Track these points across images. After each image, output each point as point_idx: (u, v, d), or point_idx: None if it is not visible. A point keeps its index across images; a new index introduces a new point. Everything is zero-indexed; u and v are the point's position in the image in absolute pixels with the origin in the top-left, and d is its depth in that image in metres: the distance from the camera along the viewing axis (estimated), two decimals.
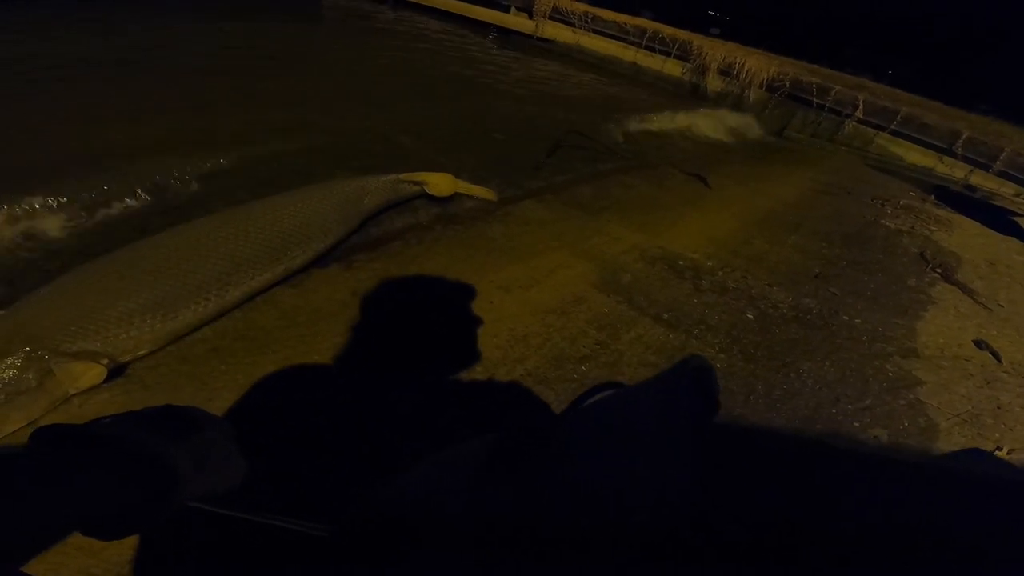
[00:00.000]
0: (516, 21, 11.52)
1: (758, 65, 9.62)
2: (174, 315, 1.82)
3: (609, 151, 5.22)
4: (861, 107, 9.01)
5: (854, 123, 9.13)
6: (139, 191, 2.79)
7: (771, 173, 6.25)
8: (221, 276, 1.96)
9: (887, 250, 4.49)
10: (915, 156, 8.88)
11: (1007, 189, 8.20)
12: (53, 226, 2.41)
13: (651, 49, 10.70)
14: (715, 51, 10.00)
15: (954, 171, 8.58)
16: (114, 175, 2.88)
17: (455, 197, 3.33)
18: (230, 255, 2.02)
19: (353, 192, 2.69)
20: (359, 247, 2.66)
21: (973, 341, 3.19)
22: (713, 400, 0.68)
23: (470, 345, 2.14)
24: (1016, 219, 6.46)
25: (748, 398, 2.26)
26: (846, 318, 3.10)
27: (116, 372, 1.69)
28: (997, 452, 2.32)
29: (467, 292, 2.45)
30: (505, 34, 11.37)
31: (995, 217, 6.39)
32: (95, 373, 1.62)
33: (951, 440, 2.33)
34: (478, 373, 2.01)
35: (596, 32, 11.19)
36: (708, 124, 7.72)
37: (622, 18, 11.08)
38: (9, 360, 1.50)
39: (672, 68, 10.53)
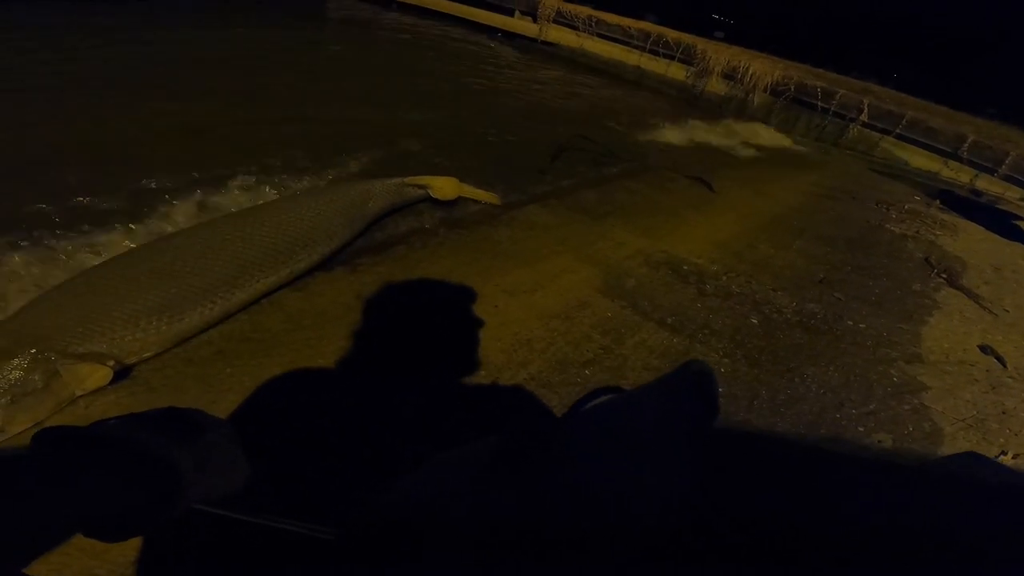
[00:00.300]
0: (520, 25, 11.55)
1: (762, 69, 9.62)
2: (180, 317, 1.83)
3: (613, 155, 5.22)
4: (866, 111, 8.99)
5: (859, 127, 9.11)
6: (141, 192, 2.81)
7: (775, 177, 6.24)
8: (227, 279, 1.97)
9: (892, 255, 4.47)
10: (920, 160, 8.86)
11: (1013, 193, 8.17)
12: (56, 226, 2.43)
13: (655, 53, 10.71)
14: (719, 55, 10.00)
15: (959, 175, 8.56)
16: (116, 176, 2.91)
17: (459, 201, 3.34)
18: (236, 258, 2.03)
19: (358, 196, 2.70)
20: (364, 250, 2.67)
21: (978, 346, 3.18)
22: (713, 404, 0.69)
23: (474, 349, 2.14)
24: (1022, 223, 6.43)
25: (752, 403, 2.25)
26: (851, 323, 3.09)
27: (121, 374, 1.70)
28: (1002, 457, 2.32)
29: (471, 296, 2.46)
30: (509, 38, 11.40)
31: (1000, 221, 6.36)
32: (101, 375, 1.63)
33: (956, 445, 2.32)
34: (482, 377, 2.02)
35: (600, 36, 11.21)
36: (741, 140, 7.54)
37: (626, 22, 11.10)
38: (16, 361, 1.51)
39: (676, 72, 10.53)
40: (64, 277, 1.88)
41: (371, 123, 4.66)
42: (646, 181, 4.76)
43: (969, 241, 5.48)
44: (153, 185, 2.90)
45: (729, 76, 9.92)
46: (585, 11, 11.19)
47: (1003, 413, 2.60)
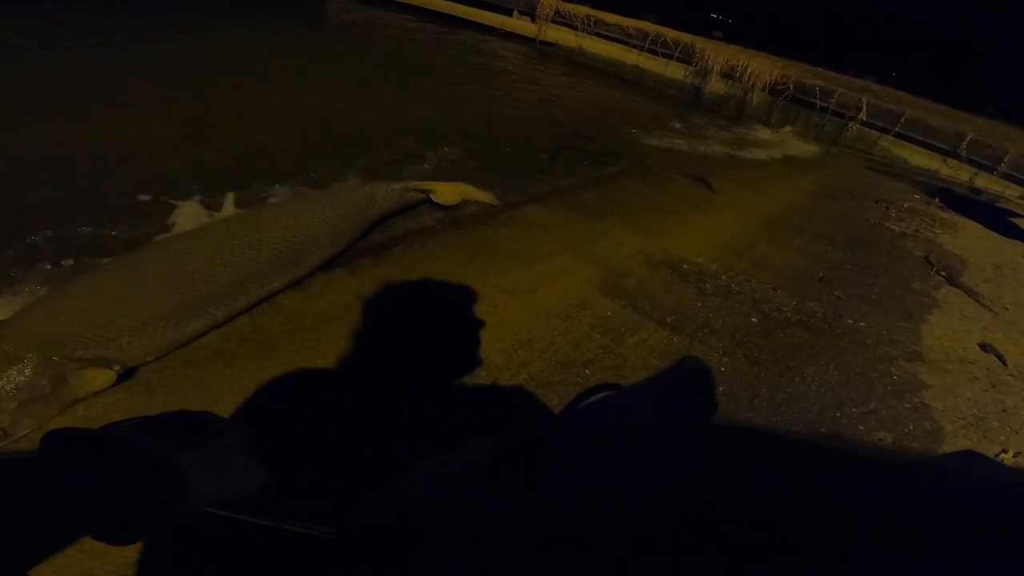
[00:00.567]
0: (519, 25, 11.55)
1: (761, 68, 9.62)
2: (187, 323, 1.83)
3: (612, 155, 5.23)
4: (865, 109, 9.00)
5: (858, 126, 9.11)
6: (142, 195, 2.81)
7: (775, 176, 6.24)
8: (233, 285, 1.97)
9: (892, 253, 4.47)
10: (919, 158, 8.86)
11: (1012, 191, 8.17)
12: (59, 229, 2.43)
13: (654, 52, 10.71)
14: (718, 54, 10.00)
15: (959, 173, 8.56)
16: (120, 177, 2.91)
17: (459, 202, 3.34)
18: (242, 264, 2.03)
19: (362, 200, 2.70)
20: (363, 251, 2.67)
21: (978, 344, 3.18)
22: (710, 400, 0.69)
23: (474, 349, 2.14)
24: (1021, 221, 6.43)
25: (752, 402, 2.26)
26: (850, 321, 3.09)
27: (122, 375, 1.70)
28: (1003, 455, 2.32)
29: (471, 296, 2.46)
30: (508, 38, 11.40)
31: (1000, 220, 6.36)
32: (107, 378, 1.64)
33: (957, 444, 2.32)
34: (482, 377, 2.02)
35: (599, 35, 11.20)
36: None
37: (625, 21, 11.09)
38: (24, 365, 1.52)
39: (675, 71, 10.53)
40: (67, 280, 1.88)
41: (369, 123, 4.66)
42: (646, 180, 4.76)
43: (969, 239, 5.49)
44: (154, 187, 2.90)
45: (728, 75, 9.91)
46: (584, 11, 11.19)
47: (1003, 411, 2.60)
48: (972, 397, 2.66)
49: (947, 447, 2.28)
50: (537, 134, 5.43)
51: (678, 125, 7.42)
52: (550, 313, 2.48)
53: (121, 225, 2.55)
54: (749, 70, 9.61)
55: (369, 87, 5.85)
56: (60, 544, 0.43)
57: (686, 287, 3.00)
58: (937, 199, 6.92)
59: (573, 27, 11.26)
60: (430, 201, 3.21)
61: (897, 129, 8.91)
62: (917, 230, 5.33)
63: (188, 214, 2.72)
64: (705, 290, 3.02)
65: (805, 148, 8.41)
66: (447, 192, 3.21)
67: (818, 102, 9.26)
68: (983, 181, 8.37)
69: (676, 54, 10.46)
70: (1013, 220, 6.44)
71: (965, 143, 8.49)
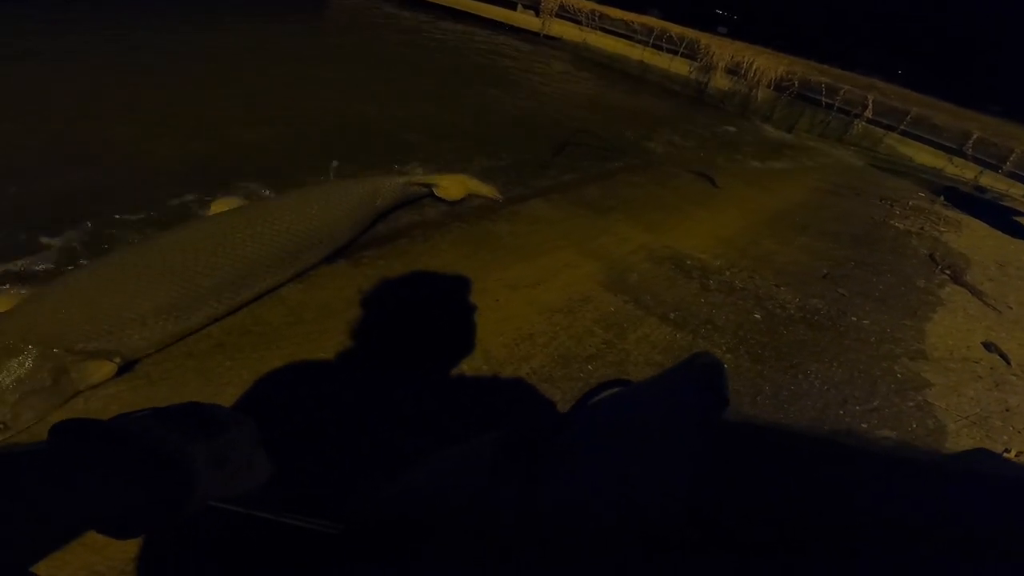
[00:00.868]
0: (522, 19, 11.50)
1: (766, 64, 9.56)
2: (187, 316, 1.83)
3: (617, 150, 5.20)
4: (871, 107, 8.94)
5: (863, 123, 9.06)
6: (150, 186, 2.80)
7: (779, 173, 6.22)
8: (234, 277, 1.96)
9: (896, 251, 4.45)
10: (925, 157, 8.81)
11: (1017, 190, 8.12)
12: (62, 222, 2.42)
13: (659, 48, 10.65)
14: (723, 50, 9.94)
15: (964, 172, 8.51)
16: (121, 172, 2.90)
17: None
18: (244, 257, 2.01)
19: (365, 193, 2.68)
20: (366, 244, 2.66)
21: (982, 343, 3.17)
22: (722, 396, 0.68)
23: (476, 343, 2.14)
24: None
25: (755, 399, 2.25)
26: (854, 319, 3.08)
27: (123, 368, 1.70)
28: (1006, 455, 2.31)
29: (473, 290, 2.45)
30: (512, 32, 11.35)
31: (1005, 218, 6.33)
32: (107, 370, 1.63)
33: (960, 442, 2.31)
34: (484, 371, 2.01)
35: (603, 30, 11.15)
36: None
37: (629, 16, 11.03)
38: (24, 358, 1.51)
39: (680, 67, 10.47)
40: (68, 273, 1.87)
41: (372, 118, 4.65)
42: (649, 176, 4.74)
43: (973, 238, 5.46)
44: (155, 182, 2.90)
45: (733, 71, 9.85)
46: (588, 5, 11.14)
47: (1006, 410, 2.59)
48: (975, 396, 2.65)
49: (950, 446, 2.27)
50: (540, 129, 5.41)
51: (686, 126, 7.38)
52: (553, 308, 2.47)
53: (122, 219, 2.54)
54: (754, 66, 9.55)
55: (371, 82, 5.82)
56: (66, 537, 0.42)
57: (689, 283, 2.99)
58: (942, 197, 6.89)
59: (577, 22, 11.21)
60: (433, 195, 3.19)
61: (903, 127, 8.86)
62: (922, 228, 5.30)
63: (189, 208, 2.71)
64: (708, 286, 3.01)
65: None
66: (450, 186, 3.20)
67: (823, 99, 9.20)
68: (988, 180, 8.32)
69: (681, 50, 10.40)
70: (1018, 219, 6.40)
71: (971, 141, 8.43)
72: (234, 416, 0.65)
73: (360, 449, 1.61)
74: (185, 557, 1.25)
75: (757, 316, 2.85)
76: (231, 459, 0.59)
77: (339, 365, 1.90)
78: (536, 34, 11.36)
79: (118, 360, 1.66)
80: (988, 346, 3.14)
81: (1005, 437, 2.41)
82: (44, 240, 2.29)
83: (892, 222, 5.29)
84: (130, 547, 1.24)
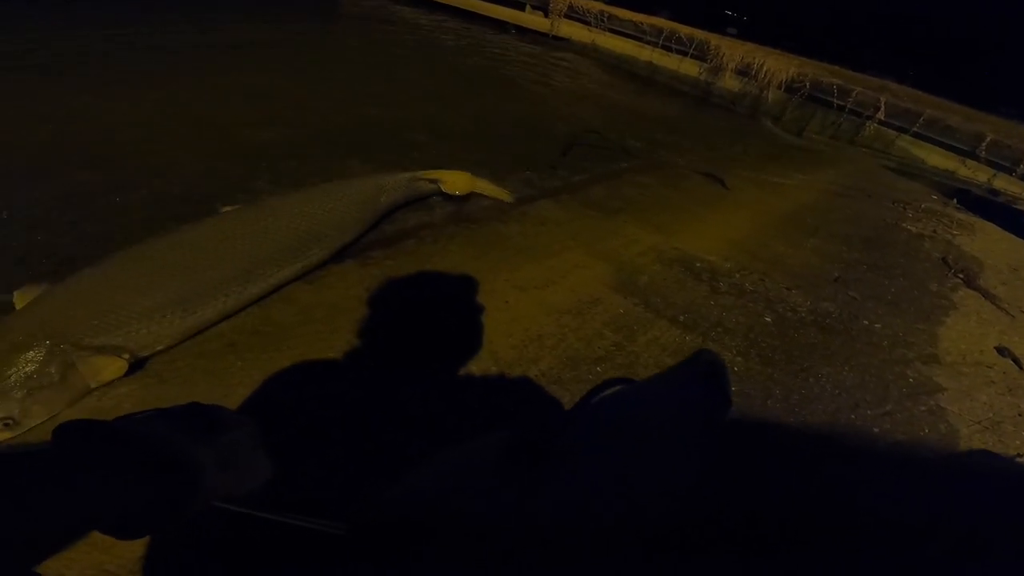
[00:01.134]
0: (531, 19, 11.50)
1: (777, 66, 9.51)
2: (194, 311, 1.83)
3: (625, 151, 5.19)
4: (883, 109, 8.87)
5: (875, 125, 8.99)
6: (158, 186, 2.82)
7: (790, 175, 6.18)
8: (241, 273, 1.97)
9: (908, 254, 4.41)
10: (937, 159, 8.73)
11: None
12: (72, 220, 2.44)
13: (668, 49, 10.63)
14: (733, 51, 9.90)
15: (977, 174, 8.43)
16: (131, 171, 2.92)
17: (470, 196, 3.33)
18: (250, 252, 2.03)
19: (370, 190, 2.70)
20: (374, 244, 2.67)
21: (995, 348, 3.13)
22: (726, 394, 0.68)
23: (484, 344, 2.13)
24: None
25: (766, 402, 2.23)
26: (866, 322, 3.05)
27: (134, 366, 1.71)
28: (1018, 459, 2.28)
29: (482, 291, 2.45)
30: (520, 32, 11.35)
31: (1018, 221, 6.25)
32: (117, 367, 1.63)
33: (972, 447, 2.28)
34: (492, 372, 2.01)
35: (612, 31, 11.13)
36: None
37: (638, 17, 11.01)
38: (32, 354, 1.52)
39: (689, 68, 10.45)
40: (76, 271, 1.88)
41: (381, 117, 4.65)
42: (658, 177, 4.72)
43: (987, 241, 5.40)
44: (163, 179, 2.91)
45: (743, 73, 9.81)
46: (597, 6, 11.13)
47: (1019, 415, 2.56)
48: (988, 401, 2.62)
49: (962, 452, 2.25)
50: (548, 129, 5.40)
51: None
52: (561, 309, 2.46)
53: (131, 219, 2.55)
54: (765, 68, 9.50)
55: (380, 83, 5.84)
56: (68, 538, 0.42)
57: (699, 285, 2.97)
58: (955, 200, 6.83)
59: (586, 23, 11.20)
60: (441, 194, 3.20)
61: (915, 129, 8.78)
62: (934, 231, 5.25)
63: (196, 205, 2.72)
64: (718, 289, 2.99)
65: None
66: (456, 181, 3.21)
67: (835, 100, 9.14)
68: (1002, 182, 8.24)
69: (690, 51, 10.37)
70: None
71: (984, 144, 8.35)
72: (236, 417, 0.65)
73: (367, 449, 1.61)
74: (190, 557, 1.25)
75: (768, 319, 2.83)
76: (233, 460, 0.60)
77: (348, 365, 1.90)
78: (545, 35, 11.37)
79: (127, 356, 1.67)
80: (1001, 351, 3.10)
81: (1017, 442, 2.38)
82: (53, 240, 2.30)
83: (904, 225, 5.25)
84: (138, 546, 1.24)
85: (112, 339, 1.66)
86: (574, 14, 11.23)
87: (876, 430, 2.25)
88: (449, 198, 3.23)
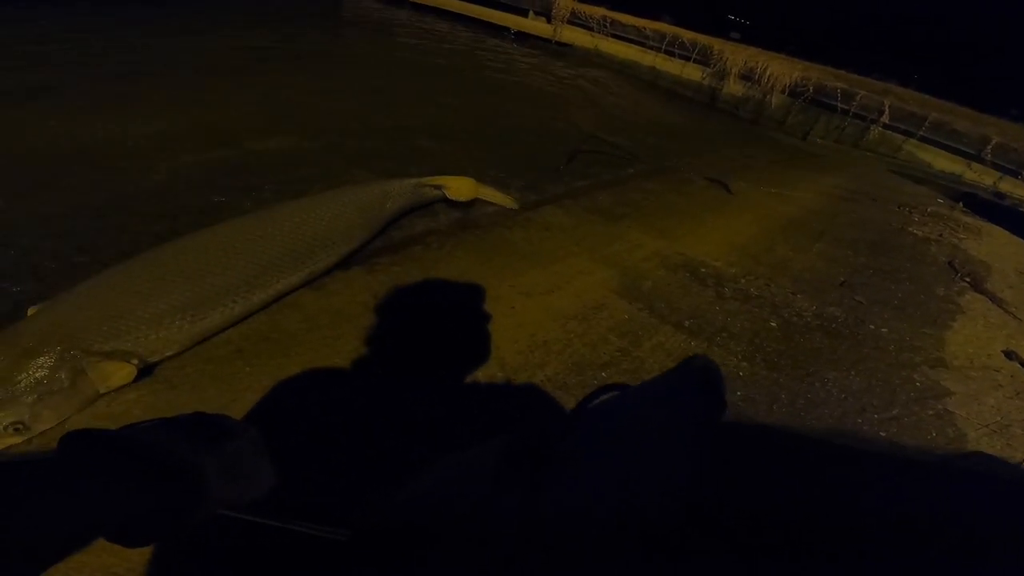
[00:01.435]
0: (534, 25, 11.55)
1: (780, 70, 9.52)
2: (202, 317, 1.85)
3: (629, 156, 5.20)
4: (887, 112, 8.86)
5: (880, 128, 8.98)
6: (163, 193, 2.85)
7: (794, 179, 6.17)
8: (248, 279, 1.99)
9: (915, 258, 4.40)
10: (943, 162, 8.71)
11: None
12: (81, 227, 2.46)
13: (671, 54, 10.65)
14: (736, 55, 9.91)
15: (983, 178, 8.40)
16: (136, 179, 2.95)
17: (475, 202, 3.35)
18: (256, 258, 2.04)
19: (375, 196, 2.71)
20: (380, 251, 2.68)
21: (1003, 351, 3.12)
22: (719, 397, 0.68)
23: (491, 350, 2.14)
24: None
25: (771, 407, 2.23)
26: (872, 327, 3.04)
27: (143, 372, 1.72)
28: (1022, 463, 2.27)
29: (488, 297, 2.46)
30: (523, 38, 11.40)
31: None
32: (126, 372, 1.65)
33: (978, 450, 2.28)
34: (498, 378, 2.02)
35: (615, 36, 11.17)
36: None
37: (641, 22, 11.04)
38: (42, 359, 1.53)
39: (692, 72, 10.46)
40: (85, 278, 1.90)
41: (385, 124, 4.68)
42: (663, 182, 4.73)
43: (993, 245, 5.38)
44: (169, 184, 2.94)
45: (746, 77, 9.82)
46: (600, 12, 11.16)
47: None
48: (996, 404, 2.61)
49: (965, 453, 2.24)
50: (552, 135, 5.42)
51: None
52: (567, 315, 2.47)
53: (136, 224, 2.57)
54: (768, 72, 9.51)
55: (384, 89, 5.87)
56: (71, 545, 0.43)
57: (704, 290, 2.97)
58: (961, 204, 6.81)
59: (589, 28, 11.24)
60: (446, 200, 3.21)
61: (920, 132, 8.76)
62: (941, 235, 5.24)
63: (202, 212, 2.75)
64: (723, 294, 2.99)
65: None
66: (461, 187, 3.22)
67: (839, 104, 9.13)
68: (1008, 186, 8.21)
69: (693, 56, 10.39)
70: None
71: (990, 147, 8.33)
72: (240, 426, 0.66)
73: (371, 455, 1.62)
74: (196, 564, 1.26)
75: (773, 324, 2.82)
76: (238, 469, 0.61)
77: (355, 371, 1.91)
78: (548, 40, 11.41)
79: (136, 362, 1.68)
80: (1009, 354, 3.09)
81: None
82: (61, 249, 2.33)
83: (910, 229, 5.23)
84: (146, 551, 1.25)
85: (121, 345, 1.67)
86: (577, 20, 11.27)
87: (883, 434, 2.24)
88: (454, 204, 3.24)
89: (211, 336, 1.92)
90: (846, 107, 9.11)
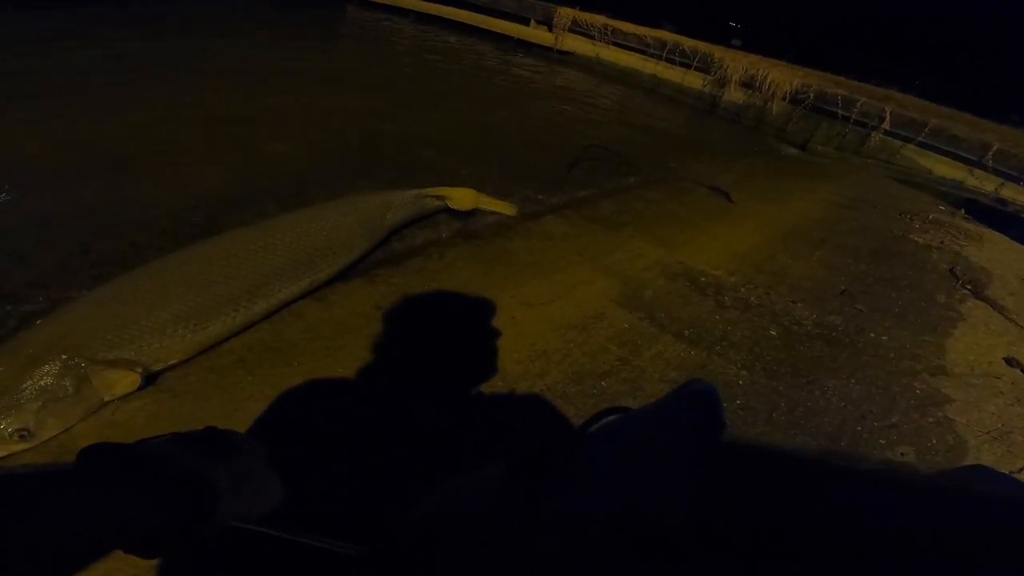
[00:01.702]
0: (536, 34, 11.60)
1: (781, 77, 9.53)
2: (205, 325, 1.87)
3: (630, 165, 5.22)
4: (888, 119, 8.87)
5: (881, 135, 8.98)
6: (162, 202, 2.87)
7: (795, 187, 6.18)
8: (250, 288, 2.01)
9: (916, 266, 4.40)
10: (944, 169, 8.70)
11: None
12: (85, 236, 2.49)
13: (672, 61, 10.68)
14: (737, 63, 9.93)
15: (984, 184, 8.38)
16: (139, 189, 2.98)
17: (476, 212, 3.37)
18: (258, 268, 2.07)
19: (377, 207, 2.74)
20: (381, 262, 2.70)
21: (1003, 359, 3.12)
22: (719, 419, 0.69)
23: (491, 360, 2.15)
24: None
25: (771, 415, 2.23)
26: (873, 335, 3.05)
27: (148, 380, 1.74)
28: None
29: (488, 307, 2.47)
30: (525, 47, 11.45)
31: None
32: (130, 381, 1.67)
33: (980, 458, 2.28)
34: (499, 388, 2.03)
35: (616, 44, 11.21)
36: None
37: (642, 30, 11.07)
38: (47, 367, 1.55)
39: (693, 80, 10.49)
40: (89, 288, 1.93)
41: (388, 133, 4.72)
42: (663, 191, 4.75)
43: (994, 252, 5.38)
44: (171, 194, 2.97)
45: (747, 84, 9.84)
46: (601, 20, 11.20)
47: None
48: (996, 412, 2.61)
49: (971, 462, 2.24)
50: (553, 144, 5.44)
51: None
52: (567, 325, 2.48)
53: (139, 235, 2.60)
54: (769, 79, 9.53)
55: (385, 98, 5.91)
56: (94, 557, 0.45)
57: (704, 300, 2.99)
58: (962, 210, 6.80)
59: (590, 37, 11.28)
60: (447, 210, 3.24)
61: (921, 139, 8.76)
62: (942, 242, 5.24)
63: (203, 221, 2.77)
64: (723, 303, 3.00)
65: None
66: (462, 198, 3.25)
67: (840, 111, 9.14)
68: (1009, 192, 8.19)
69: (694, 63, 10.42)
70: None
71: (991, 153, 8.31)
72: (248, 441, 0.68)
73: (373, 464, 1.63)
74: (205, 566, 1.27)
75: (773, 332, 2.83)
76: (246, 482, 0.62)
77: (356, 381, 1.93)
78: (549, 49, 11.45)
79: (140, 370, 1.71)
80: (1010, 361, 3.09)
81: None
82: (65, 257, 2.36)
83: (911, 236, 5.23)
84: (153, 561, 1.26)
85: (125, 353, 1.70)
86: (578, 28, 11.31)
87: (883, 442, 2.25)
88: (455, 214, 3.26)
89: (214, 345, 1.94)
90: (847, 114, 9.11)
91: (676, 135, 7.58)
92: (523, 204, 3.71)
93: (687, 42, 10.59)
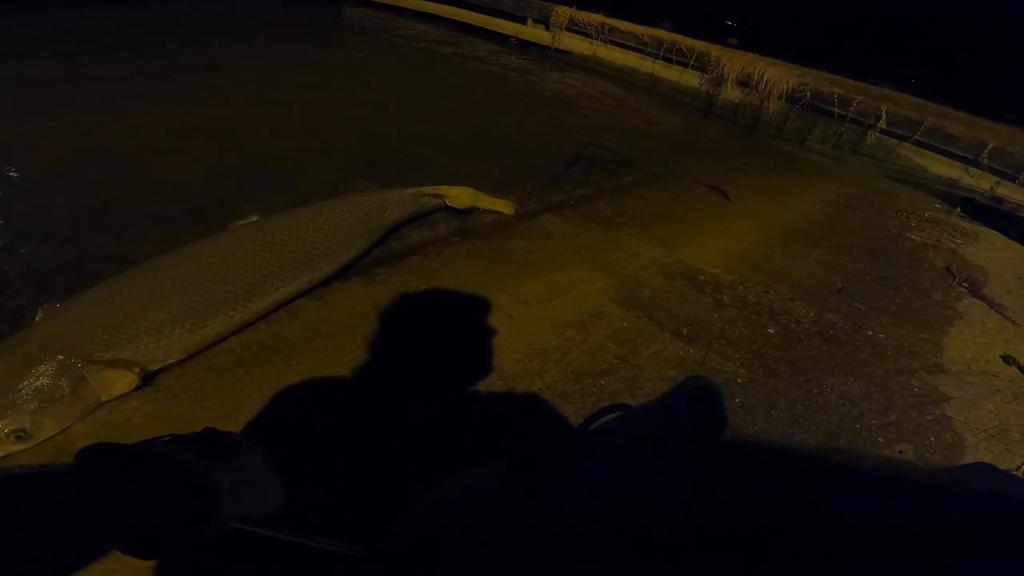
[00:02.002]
0: (533, 33, 11.60)
1: (778, 76, 9.54)
2: (202, 325, 1.86)
3: (628, 164, 5.22)
4: (884, 117, 8.88)
5: (877, 134, 9.00)
6: (161, 202, 2.87)
7: (793, 186, 6.19)
8: (247, 287, 2.00)
9: (912, 264, 4.41)
10: (940, 167, 8.72)
11: None
12: (82, 237, 2.48)
13: (669, 60, 10.68)
14: (733, 61, 9.94)
15: (980, 182, 8.40)
16: (137, 188, 2.97)
17: (474, 211, 3.37)
18: (256, 267, 2.06)
19: (375, 205, 2.74)
20: (380, 261, 2.70)
21: (1000, 356, 3.13)
22: (720, 415, 0.69)
23: (489, 359, 2.15)
24: None
25: (770, 413, 2.24)
26: (870, 333, 3.05)
27: (145, 380, 1.74)
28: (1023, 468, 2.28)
29: (486, 306, 2.47)
30: (522, 46, 11.45)
31: (1023, 230, 6.25)
32: (127, 381, 1.66)
33: (978, 456, 2.29)
34: (497, 386, 2.03)
35: (613, 43, 11.21)
36: None
37: (639, 29, 11.07)
38: (43, 368, 1.54)
39: (690, 79, 10.49)
40: (87, 288, 1.92)
41: (385, 131, 4.71)
42: (662, 190, 4.75)
43: (991, 250, 5.40)
44: (171, 193, 2.96)
45: (744, 83, 9.84)
46: (598, 18, 11.20)
47: None
48: (994, 409, 2.62)
49: (968, 459, 2.25)
50: (551, 143, 5.44)
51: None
52: (566, 323, 2.48)
53: (139, 233, 2.60)
54: (765, 78, 9.53)
55: (383, 97, 5.89)
56: (94, 558, 0.44)
57: (702, 298, 2.99)
58: (959, 208, 6.82)
59: (588, 35, 11.28)
60: (445, 209, 3.23)
61: (917, 137, 8.78)
62: (938, 240, 5.25)
63: (202, 221, 2.76)
64: (722, 301, 3.00)
65: None
66: (460, 196, 3.24)
67: (836, 110, 9.16)
68: (1005, 190, 8.21)
69: (691, 62, 10.42)
70: None
71: (986, 151, 8.34)
72: (248, 443, 0.68)
73: (370, 462, 1.63)
74: (204, 566, 1.27)
75: (771, 331, 2.84)
76: (247, 484, 0.62)
77: (355, 380, 1.93)
78: (546, 48, 11.45)
79: (137, 370, 1.70)
80: (1007, 359, 3.10)
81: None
82: (63, 257, 2.35)
83: (908, 235, 5.25)
84: (152, 562, 1.26)
85: (122, 353, 1.69)
86: (575, 27, 11.31)
87: (881, 440, 2.25)
88: (453, 213, 3.26)
89: (212, 344, 1.94)
90: (843, 112, 9.12)
91: (673, 134, 7.59)
92: (521, 203, 3.71)
93: (684, 41, 10.59)
